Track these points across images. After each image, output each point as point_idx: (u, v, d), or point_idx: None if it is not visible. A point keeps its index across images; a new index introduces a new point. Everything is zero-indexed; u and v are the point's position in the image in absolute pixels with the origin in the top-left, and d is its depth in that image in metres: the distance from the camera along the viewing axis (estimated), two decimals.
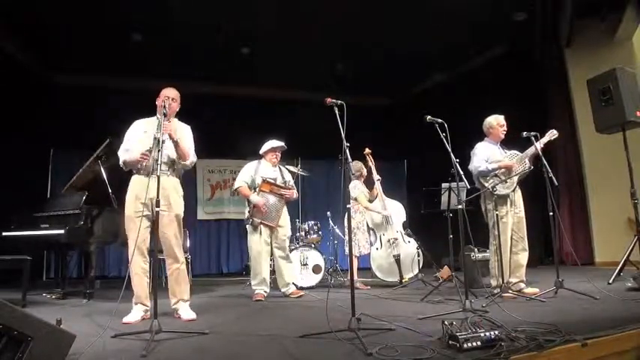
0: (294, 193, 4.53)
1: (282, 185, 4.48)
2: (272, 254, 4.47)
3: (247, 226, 4.41)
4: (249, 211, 4.36)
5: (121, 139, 3.34)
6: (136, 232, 3.04)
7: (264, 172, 4.46)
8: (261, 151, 4.59)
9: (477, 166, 3.97)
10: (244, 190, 4.41)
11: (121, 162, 3.25)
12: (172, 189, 3.24)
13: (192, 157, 3.33)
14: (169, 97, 3.23)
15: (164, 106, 3.08)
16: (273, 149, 4.52)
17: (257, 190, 4.37)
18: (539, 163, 3.93)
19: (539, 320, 2.53)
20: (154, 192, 2.81)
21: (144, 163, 3.11)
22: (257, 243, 4.33)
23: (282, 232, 4.45)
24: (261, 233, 4.32)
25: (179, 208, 3.27)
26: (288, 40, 6.73)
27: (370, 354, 2.02)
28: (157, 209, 2.71)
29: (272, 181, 4.41)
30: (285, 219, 4.49)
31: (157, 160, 2.75)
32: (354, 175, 5.18)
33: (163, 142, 2.89)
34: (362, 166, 5.31)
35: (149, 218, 3.12)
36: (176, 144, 3.17)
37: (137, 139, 3.23)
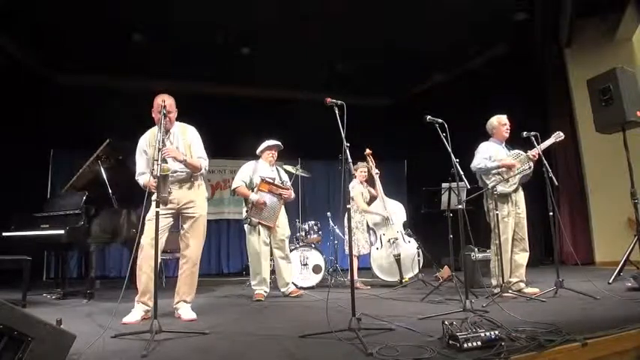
0: (291, 194, 4.55)
1: (281, 185, 4.50)
2: (272, 254, 4.48)
3: (245, 226, 4.42)
4: (247, 211, 4.37)
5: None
6: (154, 232, 3.03)
7: (262, 171, 4.48)
8: (257, 151, 4.61)
9: (477, 164, 3.98)
10: (242, 189, 4.41)
11: (141, 185, 3.29)
12: (198, 191, 3.33)
13: (204, 163, 3.35)
14: (165, 109, 3.05)
15: (163, 118, 3.00)
16: (269, 147, 4.55)
17: (255, 189, 4.37)
18: (540, 163, 3.94)
19: (539, 320, 2.53)
20: (177, 194, 3.03)
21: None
22: (255, 243, 4.34)
23: (281, 232, 4.46)
24: (259, 233, 4.34)
25: (204, 209, 3.36)
26: (288, 40, 6.73)
27: (370, 354, 2.02)
28: (157, 210, 2.72)
29: (271, 181, 4.42)
30: (283, 219, 4.50)
31: (157, 160, 2.75)
32: (353, 175, 5.19)
33: (164, 160, 2.90)
34: (358, 167, 5.28)
35: (171, 218, 3.21)
36: (184, 163, 3.19)
37: (143, 162, 3.29)
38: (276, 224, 4.41)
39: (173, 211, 3.22)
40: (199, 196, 3.33)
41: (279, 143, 4.60)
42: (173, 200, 3.17)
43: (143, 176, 3.28)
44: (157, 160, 2.73)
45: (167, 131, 3.22)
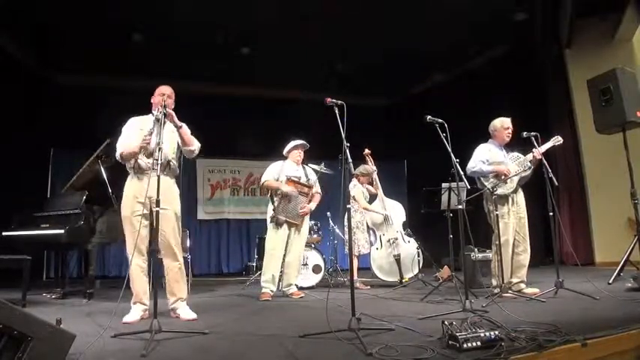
0: (315, 200, 4.56)
1: (306, 183, 4.53)
2: (285, 250, 4.48)
3: (270, 224, 4.43)
4: (274, 209, 4.38)
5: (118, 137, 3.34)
6: (135, 232, 3.05)
7: (288, 171, 4.51)
8: (284, 152, 4.64)
9: (472, 166, 3.98)
10: (271, 182, 4.44)
11: (117, 156, 3.23)
12: (169, 188, 3.24)
13: (196, 143, 3.32)
14: (165, 94, 3.19)
15: (164, 106, 3.04)
16: (295, 147, 4.59)
17: None
18: (540, 163, 3.94)
19: (539, 320, 2.53)
20: (151, 191, 2.83)
21: (145, 148, 3.11)
22: (274, 240, 4.36)
23: (303, 231, 4.52)
24: (281, 228, 4.36)
25: (176, 206, 3.29)
26: (288, 40, 6.73)
27: (370, 354, 2.01)
28: (157, 209, 2.70)
29: (296, 180, 4.46)
30: (306, 219, 4.56)
31: (158, 160, 2.74)
32: (354, 175, 5.18)
33: (164, 123, 2.90)
34: (364, 170, 5.27)
35: (147, 217, 3.12)
36: (179, 129, 3.17)
37: (134, 135, 3.22)
38: (302, 222, 4.45)
39: (147, 212, 3.08)
40: (173, 194, 3.27)
41: (305, 142, 4.62)
42: (145, 200, 3.01)
43: (128, 144, 3.18)
44: (159, 143, 2.74)
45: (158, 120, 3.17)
